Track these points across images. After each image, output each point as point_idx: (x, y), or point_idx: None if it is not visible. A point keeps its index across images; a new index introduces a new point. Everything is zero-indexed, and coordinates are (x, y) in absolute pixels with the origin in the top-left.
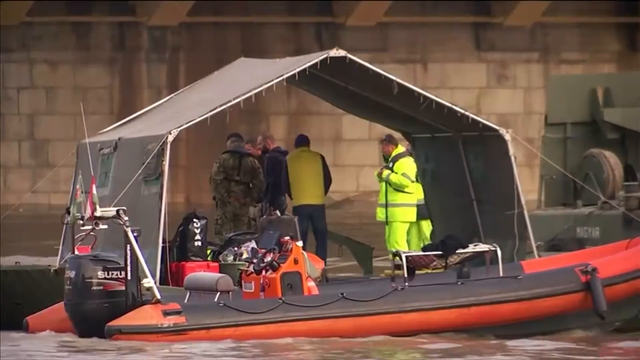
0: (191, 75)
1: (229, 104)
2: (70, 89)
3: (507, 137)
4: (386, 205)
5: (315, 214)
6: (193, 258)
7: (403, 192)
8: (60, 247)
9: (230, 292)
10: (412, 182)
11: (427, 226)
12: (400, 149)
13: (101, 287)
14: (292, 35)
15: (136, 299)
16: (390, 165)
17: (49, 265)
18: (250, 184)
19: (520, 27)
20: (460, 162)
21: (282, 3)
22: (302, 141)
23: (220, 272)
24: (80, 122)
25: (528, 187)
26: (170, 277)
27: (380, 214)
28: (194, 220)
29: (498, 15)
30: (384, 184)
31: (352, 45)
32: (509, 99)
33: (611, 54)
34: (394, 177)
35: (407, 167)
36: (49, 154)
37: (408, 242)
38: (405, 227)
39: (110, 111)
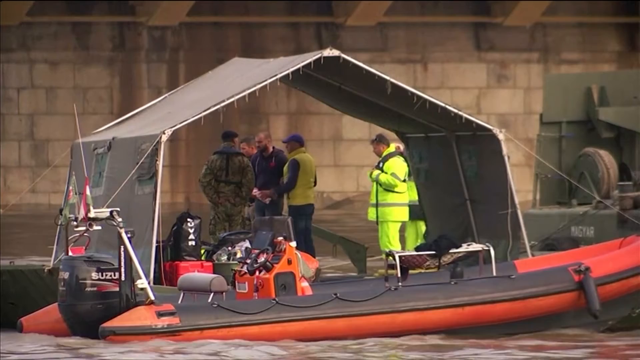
0: (191, 75)
1: (222, 104)
2: (70, 89)
3: (501, 136)
4: (377, 205)
5: (312, 212)
6: (187, 257)
7: (393, 192)
8: (55, 246)
9: (224, 293)
10: (402, 181)
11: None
12: (392, 148)
13: (95, 288)
14: (292, 35)
15: (130, 300)
16: (380, 165)
17: (43, 265)
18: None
19: (520, 27)
20: (454, 161)
21: (282, 3)
22: (303, 141)
23: (214, 271)
24: (81, 122)
25: (527, 187)
26: (164, 276)
27: (371, 213)
28: (188, 220)
29: (498, 15)
30: (375, 184)
31: (352, 45)
32: (509, 99)
33: (611, 54)
34: (383, 177)
35: (397, 166)
36: (49, 154)
37: (404, 242)
38: (397, 227)
39: (110, 111)
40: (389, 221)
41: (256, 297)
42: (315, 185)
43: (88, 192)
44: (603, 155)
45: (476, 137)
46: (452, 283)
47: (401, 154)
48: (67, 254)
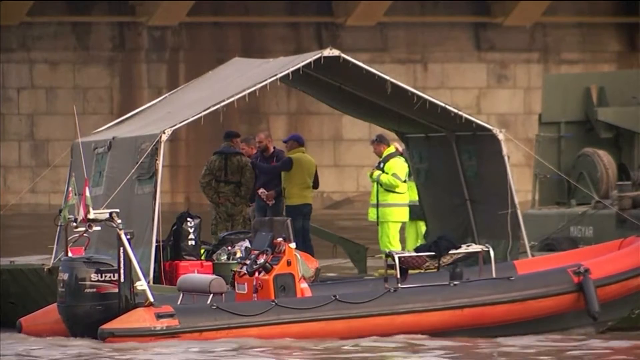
0: (191, 75)
1: (222, 104)
2: (70, 89)
3: (501, 136)
4: (377, 206)
5: (309, 212)
6: (187, 257)
7: (394, 192)
8: (55, 246)
9: (223, 294)
10: (403, 182)
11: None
12: (392, 148)
13: (94, 290)
14: (292, 35)
15: (129, 302)
16: (381, 165)
17: (43, 264)
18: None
19: (520, 27)
20: (454, 161)
21: (282, 3)
22: (303, 141)
23: (213, 271)
24: (81, 122)
25: (527, 188)
26: (164, 276)
27: (371, 214)
28: (188, 219)
29: (498, 15)
30: (375, 184)
31: (352, 45)
32: (509, 99)
33: (611, 54)
34: (384, 178)
35: (398, 167)
36: (49, 154)
37: (404, 242)
38: (397, 227)
39: (110, 111)
40: (389, 221)
41: (255, 299)
42: (317, 187)
43: (87, 193)
44: (602, 155)
45: (476, 137)
46: (451, 284)
47: (402, 155)
48: (66, 254)
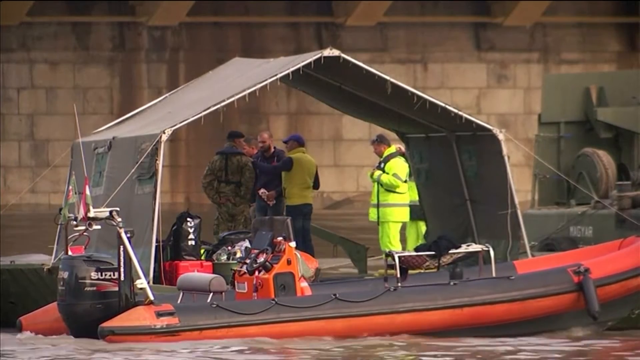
0: (191, 75)
1: (222, 104)
2: (70, 89)
3: (501, 136)
4: (378, 206)
5: (310, 212)
6: (187, 257)
7: (395, 192)
8: (55, 245)
9: (224, 293)
10: (403, 182)
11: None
12: (392, 149)
13: (94, 288)
14: (292, 35)
15: (129, 300)
16: (382, 165)
17: (43, 264)
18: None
19: (520, 27)
20: (454, 161)
21: (282, 3)
22: (303, 141)
23: (213, 271)
24: (81, 122)
25: (527, 188)
26: (164, 276)
27: (372, 214)
28: (188, 219)
29: (498, 15)
30: (376, 184)
31: (352, 45)
32: (509, 99)
33: (611, 54)
34: (384, 178)
35: (398, 167)
36: (49, 154)
37: (405, 242)
38: (397, 227)
39: (110, 111)
40: (389, 221)
41: (255, 297)
42: (317, 188)
43: (87, 191)
44: (601, 155)
45: (476, 137)
46: (451, 284)
47: (402, 155)
48: (66, 253)
